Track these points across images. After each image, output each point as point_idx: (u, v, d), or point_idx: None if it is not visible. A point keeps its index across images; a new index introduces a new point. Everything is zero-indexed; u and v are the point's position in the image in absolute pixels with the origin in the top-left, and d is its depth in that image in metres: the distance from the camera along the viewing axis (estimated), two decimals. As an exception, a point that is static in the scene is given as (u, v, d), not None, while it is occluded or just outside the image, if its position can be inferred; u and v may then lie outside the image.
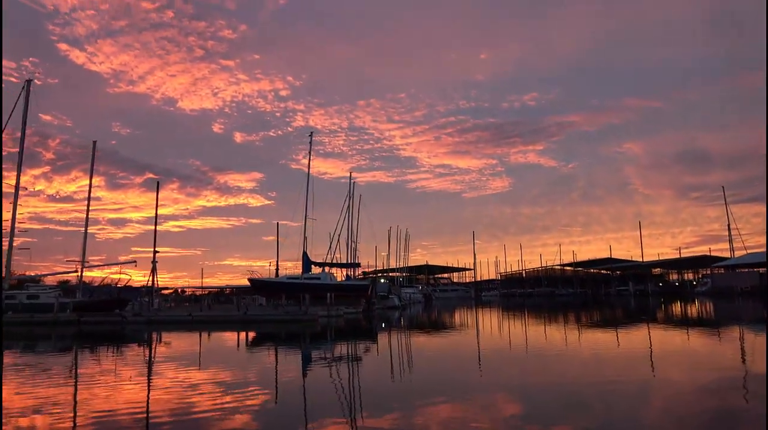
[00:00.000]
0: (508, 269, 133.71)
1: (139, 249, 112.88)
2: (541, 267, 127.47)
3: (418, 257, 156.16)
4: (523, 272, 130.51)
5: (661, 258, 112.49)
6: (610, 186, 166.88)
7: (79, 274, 36.69)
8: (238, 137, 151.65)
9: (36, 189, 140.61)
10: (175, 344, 21.39)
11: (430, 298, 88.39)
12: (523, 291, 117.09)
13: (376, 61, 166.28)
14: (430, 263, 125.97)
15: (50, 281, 41.67)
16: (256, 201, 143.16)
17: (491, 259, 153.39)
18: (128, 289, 38.36)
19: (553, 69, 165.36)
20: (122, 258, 59.92)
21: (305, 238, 45.70)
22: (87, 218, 40.26)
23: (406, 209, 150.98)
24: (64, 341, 23.41)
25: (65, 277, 42.81)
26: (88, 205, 40.98)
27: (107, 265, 39.08)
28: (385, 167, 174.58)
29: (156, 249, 37.81)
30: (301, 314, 30.67)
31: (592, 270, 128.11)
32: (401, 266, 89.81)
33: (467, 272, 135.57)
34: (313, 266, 46.26)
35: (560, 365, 13.13)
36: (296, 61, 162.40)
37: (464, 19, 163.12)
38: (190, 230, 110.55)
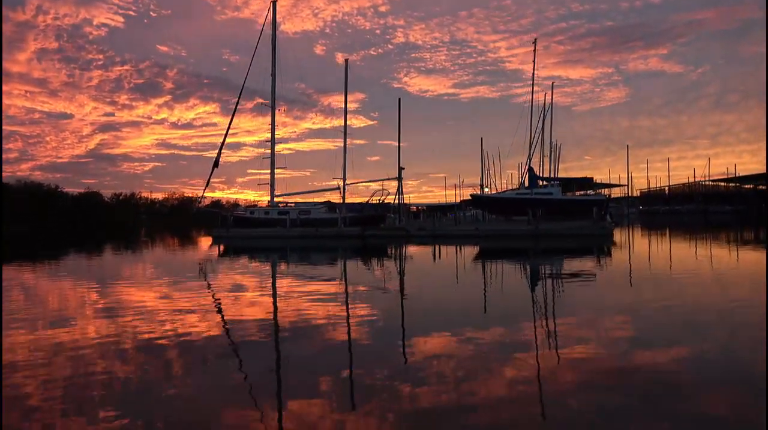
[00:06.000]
0: (642, 185, 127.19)
1: (253, 171, 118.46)
2: (687, 182, 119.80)
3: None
4: (666, 187, 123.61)
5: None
6: (748, 91, 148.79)
7: (342, 191, 38.81)
8: (340, 58, 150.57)
9: (160, 117, 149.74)
10: (459, 256, 22.02)
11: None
12: (668, 208, 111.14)
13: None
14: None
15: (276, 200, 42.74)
16: (359, 122, 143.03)
17: (613, 175, 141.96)
18: (384, 205, 39.92)
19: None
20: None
21: (530, 152, 45.06)
22: (345, 133, 41.30)
23: (511, 124, 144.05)
24: (355, 253, 24.50)
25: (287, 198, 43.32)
26: (345, 125, 42.04)
27: (369, 181, 40.42)
28: (489, 82, 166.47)
29: (401, 166, 38.78)
30: (596, 227, 30.72)
31: (746, 186, 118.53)
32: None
33: (618, 188, 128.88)
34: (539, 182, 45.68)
35: None
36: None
37: None
38: (298, 152, 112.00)
